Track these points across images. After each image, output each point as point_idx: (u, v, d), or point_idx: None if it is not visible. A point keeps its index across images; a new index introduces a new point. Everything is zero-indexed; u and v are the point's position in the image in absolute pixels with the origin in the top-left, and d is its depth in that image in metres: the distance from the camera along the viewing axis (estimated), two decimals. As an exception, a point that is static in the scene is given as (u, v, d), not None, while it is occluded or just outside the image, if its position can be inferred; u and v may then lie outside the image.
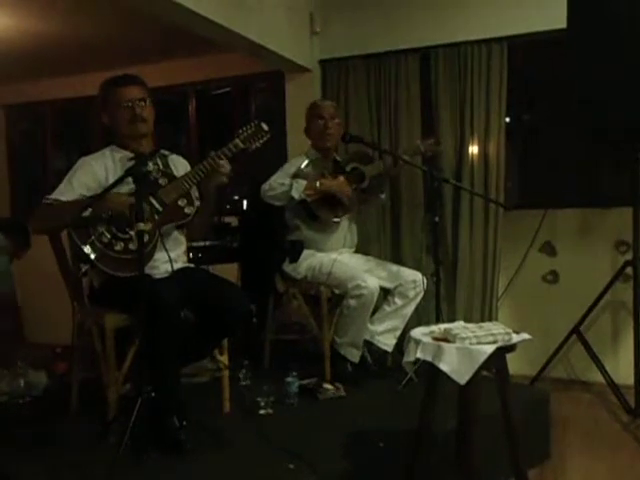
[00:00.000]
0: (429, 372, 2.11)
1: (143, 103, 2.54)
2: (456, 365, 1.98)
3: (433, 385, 2.13)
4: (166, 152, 2.66)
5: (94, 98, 4.67)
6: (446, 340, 2.06)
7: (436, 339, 2.09)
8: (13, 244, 2.79)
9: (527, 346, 2.10)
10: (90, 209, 2.33)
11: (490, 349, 1.97)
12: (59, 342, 3.86)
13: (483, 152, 3.80)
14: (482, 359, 1.96)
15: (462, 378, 1.97)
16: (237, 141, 2.52)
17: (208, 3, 3.09)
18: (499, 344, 2.00)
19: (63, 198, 2.45)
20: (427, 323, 3.54)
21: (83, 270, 2.45)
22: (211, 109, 5.11)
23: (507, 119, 3.84)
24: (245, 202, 3.84)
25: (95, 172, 2.54)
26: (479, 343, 2.01)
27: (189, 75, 4.87)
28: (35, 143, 5.66)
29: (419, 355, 2.06)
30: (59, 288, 2.76)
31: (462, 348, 1.99)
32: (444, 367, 1.99)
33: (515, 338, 2.06)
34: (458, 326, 2.18)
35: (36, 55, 4.55)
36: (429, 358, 2.04)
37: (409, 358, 2.11)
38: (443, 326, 2.19)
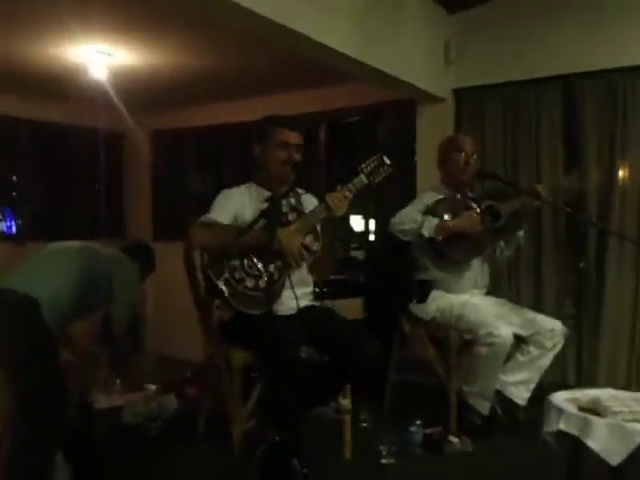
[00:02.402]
0: (572, 446, 1.91)
1: (299, 148, 2.60)
2: (607, 443, 1.78)
3: (577, 460, 1.92)
4: (300, 191, 2.68)
5: (236, 125, 4.87)
6: (595, 412, 1.86)
7: (582, 409, 1.89)
8: (140, 267, 2.92)
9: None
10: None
11: (649, 429, 1.74)
12: (185, 356, 4.03)
13: (635, 186, 3.46)
14: (639, 440, 1.73)
15: (614, 459, 1.76)
16: (362, 177, 2.49)
17: (345, 39, 3.08)
18: (660, 423, 1.77)
19: (221, 219, 2.53)
20: (564, 376, 3.30)
21: (216, 304, 2.51)
22: (340, 138, 5.13)
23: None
24: (372, 235, 3.78)
25: (235, 207, 2.61)
26: (635, 420, 1.79)
27: (321, 104, 4.93)
28: (176, 168, 6.01)
29: (562, 427, 1.88)
30: (188, 302, 2.83)
31: (615, 425, 1.79)
32: (593, 444, 1.79)
33: (679, 417, 1.81)
34: (608, 395, 1.97)
35: (179, 86, 4.84)
36: (574, 432, 1.85)
37: (550, 428, 1.93)
38: (591, 393, 1.98)
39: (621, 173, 3.50)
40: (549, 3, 3.70)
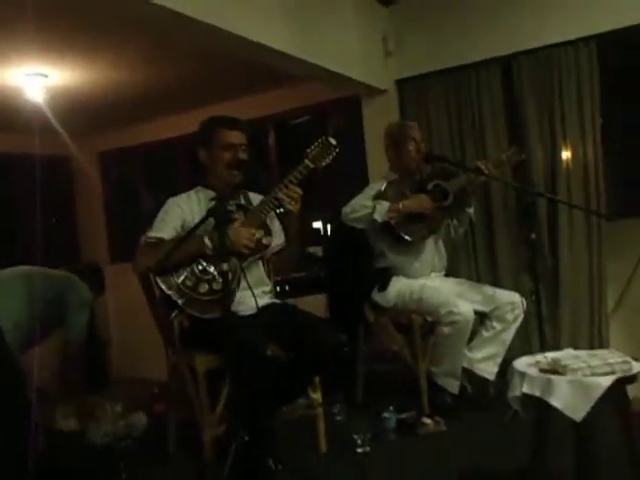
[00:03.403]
0: (538, 407, 1.93)
1: (244, 147, 2.57)
2: (569, 400, 1.80)
3: (543, 422, 1.94)
4: (250, 193, 2.67)
5: (182, 138, 4.83)
6: (555, 372, 1.88)
7: (544, 371, 1.92)
8: (89, 287, 2.88)
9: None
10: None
11: (607, 381, 1.78)
12: (153, 376, 3.95)
13: (579, 158, 3.54)
14: (599, 393, 1.77)
15: (577, 414, 1.78)
16: (306, 162, 2.46)
17: (281, 37, 3.09)
18: (617, 375, 1.80)
19: (164, 235, 2.49)
20: (529, 348, 3.36)
21: (173, 315, 2.47)
22: (290, 139, 5.13)
23: (601, 121, 3.57)
24: (328, 229, 3.77)
25: (182, 215, 2.57)
26: (594, 374, 1.82)
27: (268, 108, 4.93)
28: (128, 186, 5.92)
29: (526, 390, 1.89)
30: (151, 324, 2.80)
31: (575, 381, 1.81)
32: (556, 403, 1.81)
33: (636, 367, 1.85)
34: (568, 355, 2.00)
35: (122, 103, 4.77)
36: (537, 393, 1.87)
37: (514, 393, 1.95)
38: (550, 355, 2.01)
39: (562, 144, 3.57)
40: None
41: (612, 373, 1.81)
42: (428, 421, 2.76)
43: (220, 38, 2.86)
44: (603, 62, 3.53)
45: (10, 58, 3.58)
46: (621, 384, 1.83)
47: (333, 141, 2.48)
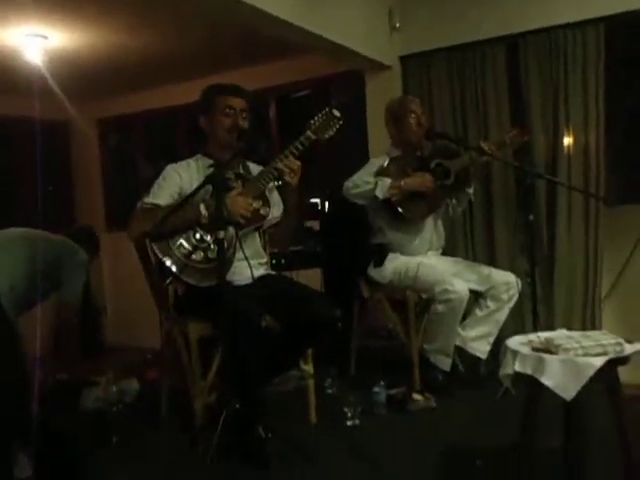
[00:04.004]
0: (529, 385, 1.93)
1: (245, 114, 2.54)
2: (561, 379, 1.80)
3: (534, 400, 1.95)
4: (249, 162, 2.65)
5: (182, 107, 4.77)
6: (548, 351, 1.89)
7: (536, 349, 1.92)
8: (85, 251, 2.88)
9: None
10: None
11: (599, 362, 1.77)
12: (147, 344, 3.97)
13: (581, 143, 3.51)
14: (590, 373, 1.77)
15: (568, 394, 1.79)
16: (308, 133, 2.43)
17: (285, 5, 3.04)
18: (610, 356, 1.80)
19: (160, 201, 2.47)
20: (523, 329, 3.37)
21: (168, 281, 2.46)
22: (292, 112, 5.09)
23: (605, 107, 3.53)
24: (326, 204, 3.75)
25: (180, 183, 2.55)
26: (586, 355, 1.82)
27: (270, 79, 4.87)
28: (126, 155, 5.87)
29: (517, 368, 1.89)
30: (147, 293, 2.80)
31: (567, 360, 1.81)
32: (547, 381, 1.81)
33: (628, 349, 1.85)
34: (561, 335, 2.00)
35: (123, 69, 4.70)
36: (529, 371, 1.87)
37: (506, 370, 1.95)
38: (543, 335, 2.01)
39: (565, 128, 3.55)
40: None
41: (604, 354, 1.81)
42: (418, 397, 2.78)
43: (224, 3, 2.81)
44: (610, 47, 3.48)
45: (9, 18, 3.51)
46: (613, 365, 1.83)
47: (337, 113, 2.45)
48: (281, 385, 2.76)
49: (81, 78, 4.71)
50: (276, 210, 2.61)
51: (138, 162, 5.78)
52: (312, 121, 2.44)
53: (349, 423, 2.56)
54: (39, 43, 3.91)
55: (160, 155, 5.65)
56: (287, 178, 2.41)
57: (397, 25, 4.03)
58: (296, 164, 2.41)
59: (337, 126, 2.45)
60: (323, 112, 2.45)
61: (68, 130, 5.85)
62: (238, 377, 2.26)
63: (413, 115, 3.11)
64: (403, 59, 4.09)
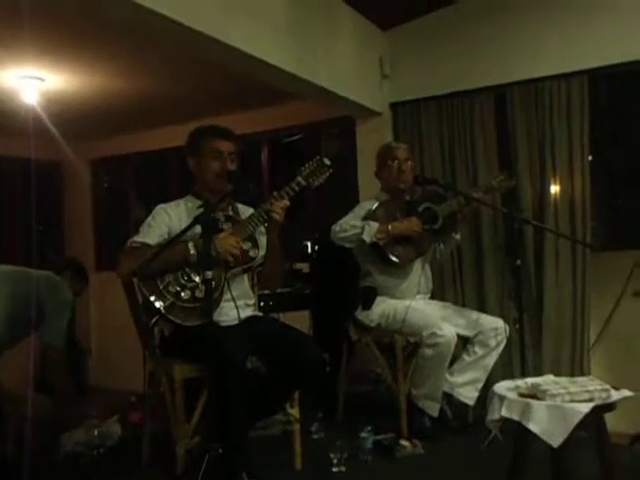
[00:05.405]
0: (516, 431, 1.91)
1: (233, 157, 2.57)
2: (547, 425, 1.78)
3: (521, 446, 1.93)
4: (239, 204, 2.67)
5: (174, 149, 4.82)
6: (535, 397, 1.88)
7: (523, 395, 1.91)
8: (70, 285, 2.86)
9: (625, 401, 1.87)
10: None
11: (586, 408, 1.77)
12: (132, 387, 3.89)
13: (567, 190, 3.58)
14: (577, 419, 1.76)
15: (555, 440, 1.77)
16: (299, 179, 2.46)
17: (278, 52, 3.12)
18: (596, 402, 1.80)
19: (149, 240, 2.47)
20: (511, 375, 3.35)
21: (153, 320, 2.44)
22: (283, 156, 5.15)
23: (590, 156, 3.61)
24: (316, 247, 3.76)
25: (169, 223, 2.55)
26: (572, 401, 1.82)
27: (262, 124, 4.96)
28: (118, 195, 5.90)
29: (504, 413, 1.88)
30: (134, 334, 2.76)
31: (553, 406, 1.80)
32: (534, 427, 1.80)
33: (615, 395, 1.84)
34: (547, 381, 1.99)
35: (117, 111, 4.78)
36: (516, 417, 1.85)
37: (493, 416, 1.94)
38: (530, 380, 2.01)
39: (551, 176, 3.61)
40: (475, 17, 3.85)
41: (591, 400, 1.81)
42: (406, 443, 2.73)
43: (217, 50, 2.87)
44: (594, 97, 3.58)
45: (5, 60, 3.58)
46: (599, 412, 1.83)
47: (327, 161, 2.48)
48: (266, 429, 2.70)
49: (75, 119, 4.77)
50: (265, 252, 2.61)
51: (130, 202, 5.81)
52: (303, 168, 2.47)
53: (335, 470, 2.51)
54: (35, 85, 3.98)
55: (151, 196, 5.68)
56: (275, 215, 2.43)
57: (387, 73, 4.14)
58: (284, 203, 2.43)
59: (327, 174, 2.48)
60: (314, 160, 2.48)
61: (62, 170, 5.90)
62: (222, 420, 2.22)
63: (396, 161, 3.16)
64: (393, 106, 4.20)
